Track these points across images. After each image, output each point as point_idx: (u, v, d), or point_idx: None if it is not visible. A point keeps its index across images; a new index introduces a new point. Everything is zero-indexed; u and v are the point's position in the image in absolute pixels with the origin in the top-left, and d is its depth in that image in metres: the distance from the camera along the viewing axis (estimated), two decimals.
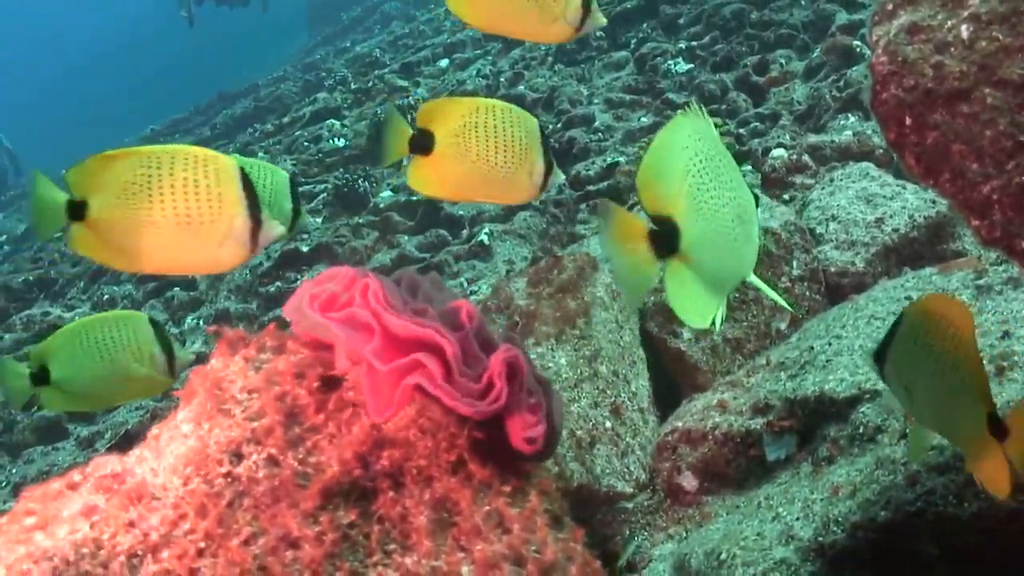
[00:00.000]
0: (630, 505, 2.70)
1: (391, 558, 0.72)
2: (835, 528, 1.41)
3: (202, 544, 0.71)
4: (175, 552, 0.71)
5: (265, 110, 9.90)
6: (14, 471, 4.92)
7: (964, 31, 0.99)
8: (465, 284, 5.24)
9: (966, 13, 1.00)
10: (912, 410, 1.17)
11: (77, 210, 1.27)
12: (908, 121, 1.02)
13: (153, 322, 1.60)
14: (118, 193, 1.24)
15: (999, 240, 0.95)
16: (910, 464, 1.37)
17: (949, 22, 1.01)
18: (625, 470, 2.64)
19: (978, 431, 1.07)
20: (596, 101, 6.27)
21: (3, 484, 4.76)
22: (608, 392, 2.71)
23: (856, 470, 1.50)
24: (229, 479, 0.74)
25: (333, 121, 8.22)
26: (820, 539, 1.43)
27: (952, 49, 0.99)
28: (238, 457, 0.75)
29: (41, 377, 1.60)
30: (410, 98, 7.34)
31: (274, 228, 1.27)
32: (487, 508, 0.73)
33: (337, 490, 0.74)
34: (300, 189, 7.43)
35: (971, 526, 1.28)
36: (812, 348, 2.00)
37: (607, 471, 2.59)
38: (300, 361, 0.83)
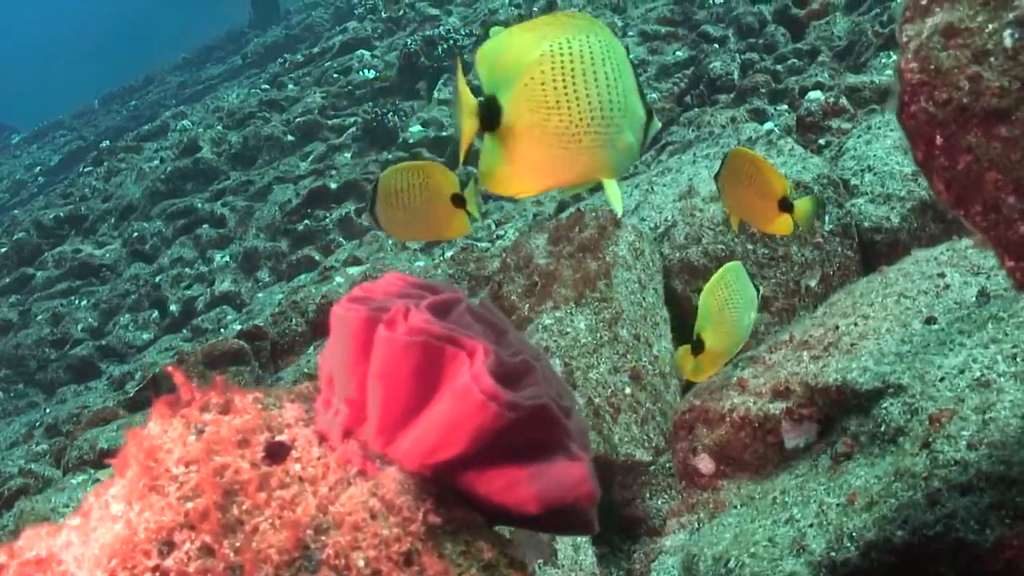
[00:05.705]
0: (651, 468, 2.66)
1: None
2: (848, 544, 1.33)
3: None
4: None
5: (296, 39, 9.73)
6: (48, 410, 5.01)
7: (1007, 38, 0.86)
8: (493, 227, 5.15)
9: (1011, 16, 0.87)
10: None
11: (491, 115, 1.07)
12: (938, 140, 0.91)
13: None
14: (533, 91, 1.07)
15: None
16: (931, 481, 1.28)
17: (990, 26, 0.88)
18: (645, 437, 2.58)
19: None
20: (631, 33, 6.04)
21: (38, 424, 4.84)
22: (628, 356, 2.63)
23: (875, 476, 1.42)
24: (157, 574, 0.68)
25: (363, 52, 8.05)
26: (832, 555, 1.35)
27: (992, 59, 0.86)
28: (169, 546, 0.69)
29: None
30: (440, 28, 7.13)
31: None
32: None
33: None
34: (329, 123, 7.32)
35: (993, 554, 1.19)
36: (837, 327, 1.90)
37: (625, 440, 2.53)
38: (244, 425, 0.76)
